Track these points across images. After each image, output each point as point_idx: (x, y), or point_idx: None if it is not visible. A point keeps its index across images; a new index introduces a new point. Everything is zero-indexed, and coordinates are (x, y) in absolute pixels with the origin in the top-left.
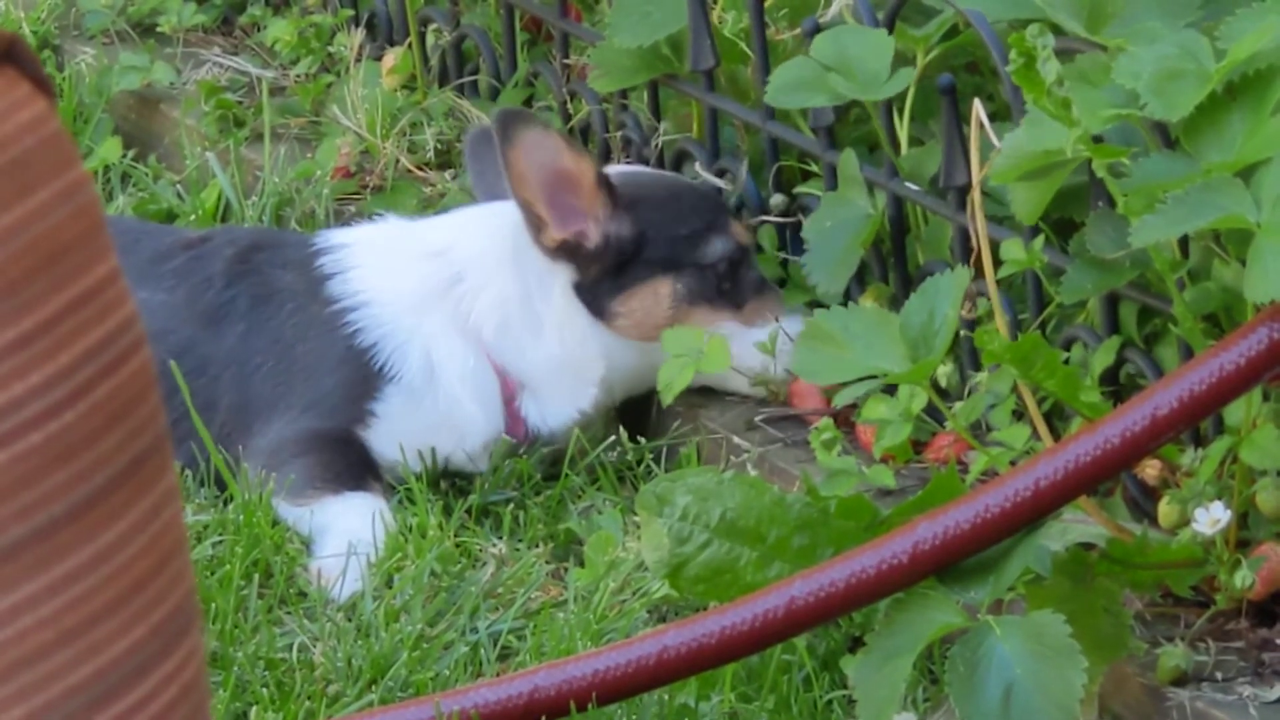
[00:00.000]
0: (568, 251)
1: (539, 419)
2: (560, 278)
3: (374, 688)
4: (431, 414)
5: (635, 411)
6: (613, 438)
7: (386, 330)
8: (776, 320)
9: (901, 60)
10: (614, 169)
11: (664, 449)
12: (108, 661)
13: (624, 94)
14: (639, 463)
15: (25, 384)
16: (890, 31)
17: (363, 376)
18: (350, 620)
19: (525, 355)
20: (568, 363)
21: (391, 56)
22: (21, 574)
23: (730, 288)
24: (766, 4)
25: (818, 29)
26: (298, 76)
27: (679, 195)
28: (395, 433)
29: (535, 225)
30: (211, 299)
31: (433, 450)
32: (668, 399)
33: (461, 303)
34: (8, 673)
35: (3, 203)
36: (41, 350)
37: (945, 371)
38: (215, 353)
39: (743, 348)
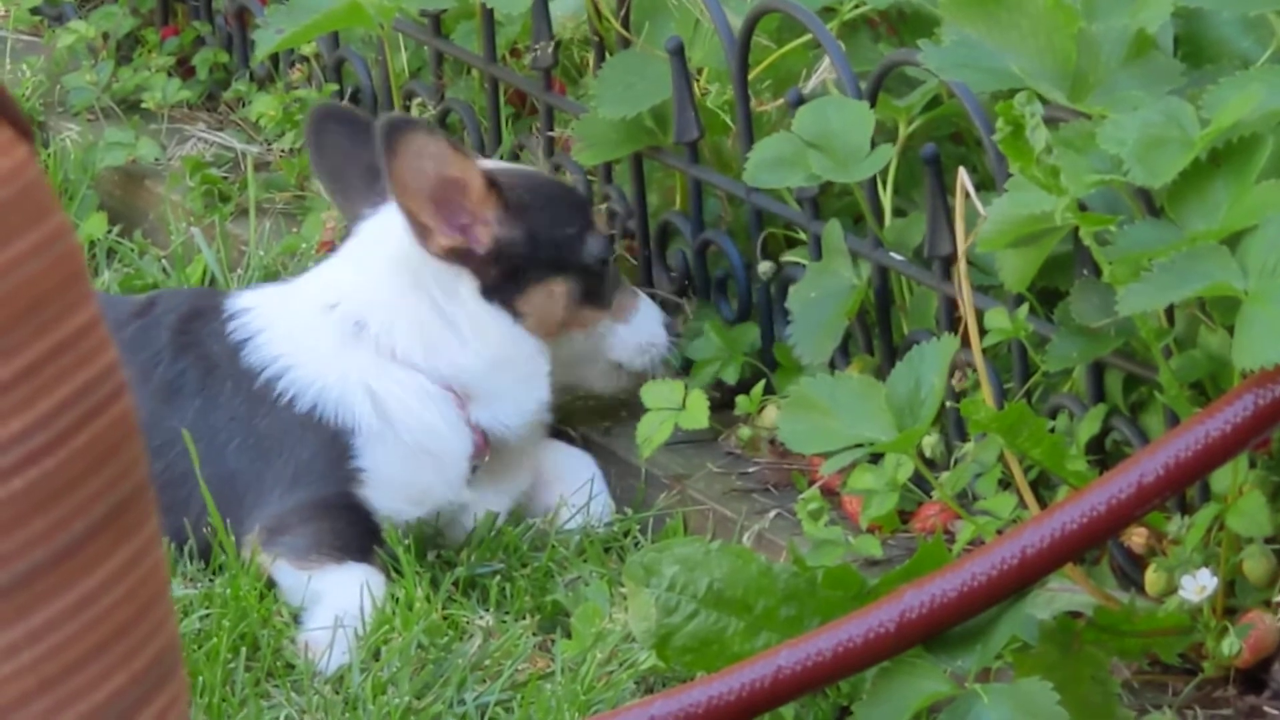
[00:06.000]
0: (458, 256)
1: (496, 423)
2: (464, 284)
3: None
4: (407, 447)
5: (623, 484)
6: (600, 508)
7: (319, 387)
8: (638, 309)
9: (884, 131)
10: (490, 164)
11: (650, 521)
12: (88, 709)
13: (608, 166)
14: (626, 534)
15: (5, 431)
16: (873, 103)
17: (331, 437)
18: (338, 693)
19: (458, 365)
20: (504, 362)
21: None
22: (1, 621)
23: (604, 286)
24: (750, 76)
25: (801, 100)
26: (282, 151)
27: (557, 197)
28: (388, 480)
29: (421, 233)
30: (164, 373)
31: (424, 491)
32: (646, 452)
33: (380, 341)
34: None
35: None
36: (22, 397)
37: (931, 441)
38: (179, 426)
39: (618, 343)
